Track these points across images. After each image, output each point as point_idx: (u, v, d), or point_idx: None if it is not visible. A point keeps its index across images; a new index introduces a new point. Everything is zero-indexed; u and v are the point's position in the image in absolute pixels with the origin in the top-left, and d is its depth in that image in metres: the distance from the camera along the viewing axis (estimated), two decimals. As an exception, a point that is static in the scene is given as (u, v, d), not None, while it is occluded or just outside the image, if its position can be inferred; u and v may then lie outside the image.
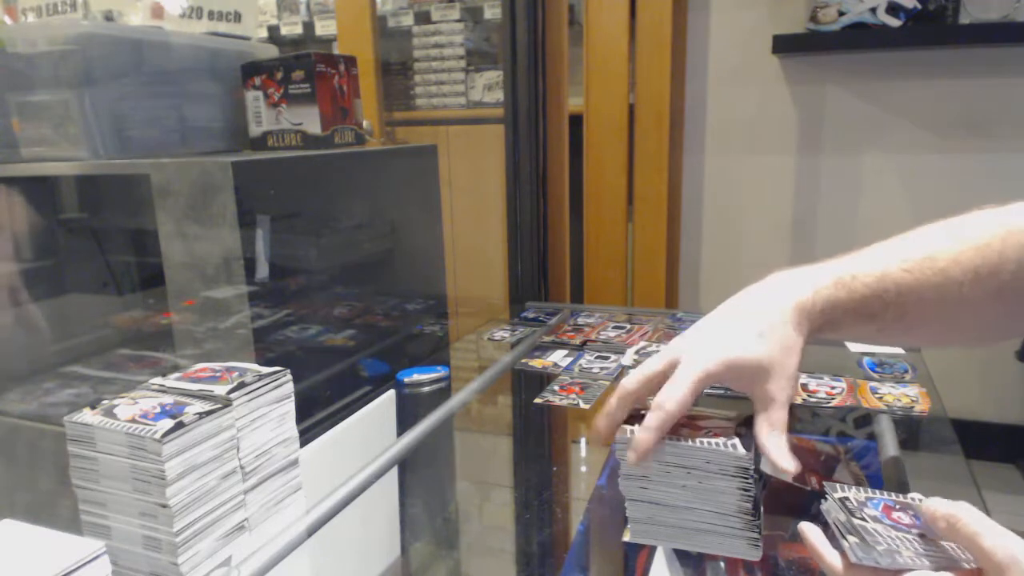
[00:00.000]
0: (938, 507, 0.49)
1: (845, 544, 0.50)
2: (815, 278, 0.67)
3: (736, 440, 0.64)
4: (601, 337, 1.41)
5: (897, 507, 0.55)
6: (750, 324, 0.65)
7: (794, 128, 1.96)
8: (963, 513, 0.47)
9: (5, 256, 1.32)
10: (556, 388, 1.18)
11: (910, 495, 0.56)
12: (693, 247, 2.11)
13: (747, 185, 2.03)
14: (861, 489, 0.58)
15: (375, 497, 0.90)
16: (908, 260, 0.65)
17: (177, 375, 0.74)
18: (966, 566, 0.47)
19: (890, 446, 0.92)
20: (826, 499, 0.57)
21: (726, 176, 2.05)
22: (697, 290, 2.11)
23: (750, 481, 0.63)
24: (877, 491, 0.57)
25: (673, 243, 2.07)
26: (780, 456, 0.62)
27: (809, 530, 0.54)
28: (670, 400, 0.62)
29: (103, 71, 1.05)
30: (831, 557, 0.51)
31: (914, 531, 0.51)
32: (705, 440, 0.64)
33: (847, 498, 0.56)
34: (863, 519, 0.53)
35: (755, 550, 0.64)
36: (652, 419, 0.62)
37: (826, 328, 0.66)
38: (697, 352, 0.65)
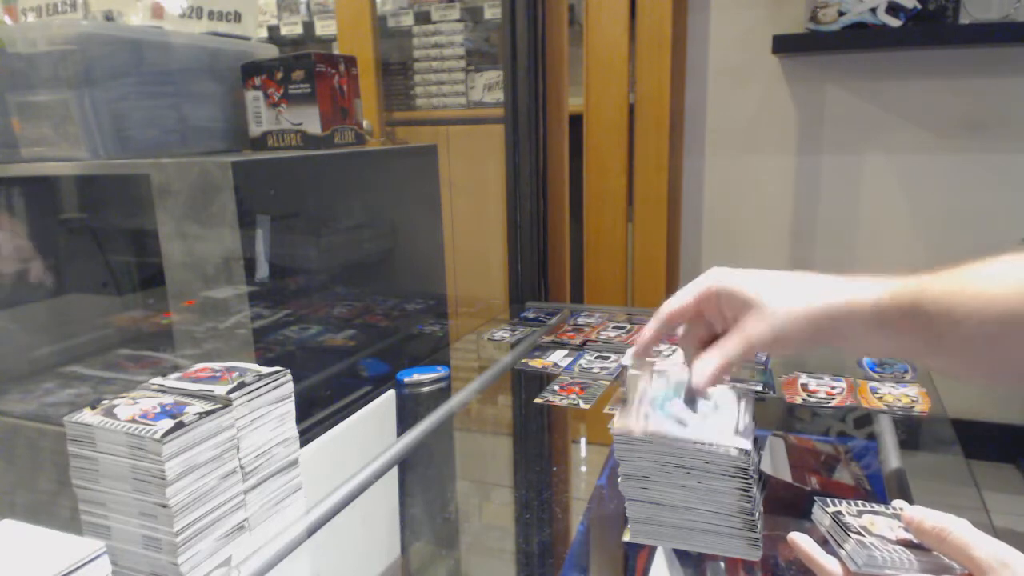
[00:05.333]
0: (925, 519, 0.49)
1: (843, 552, 0.50)
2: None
3: (736, 440, 0.64)
4: (601, 337, 1.41)
5: (889, 518, 0.55)
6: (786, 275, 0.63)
7: (794, 128, 1.96)
8: (952, 525, 0.48)
9: (5, 256, 1.32)
10: (556, 388, 1.18)
11: (893, 502, 0.56)
12: (693, 247, 2.11)
13: (747, 185, 2.03)
14: (851, 503, 0.58)
15: (375, 497, 0.90)
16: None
17: (177, 375, 0.74)
18: (959, 569, 0.47)
19: (890, 446, 0.92)
20: (816, 509, 0.57)
21: (726, 176, 2.05)
22: (697, 290, 2.10)
23: (749, 481, 0.63)
24: (866, 504, 0.58)
25: (673, 243, 2.07)
26: (698, 374, 0.61)
27: (800, 539, 0.54)
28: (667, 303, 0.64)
29: (103, 71, 1.05)
30: (828, 563, 0.51)
31: (902, 539, 0.52)
32: (704, 440, 0.64)
33: (840, 512, 0.56)
34: (859, 533, 0.53)
35: (755, 550, 0.64)
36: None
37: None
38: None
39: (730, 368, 0.60)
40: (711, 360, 0.61)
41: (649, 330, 0.66)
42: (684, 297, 0.65)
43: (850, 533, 0.52)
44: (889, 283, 0.58)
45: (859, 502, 0.58)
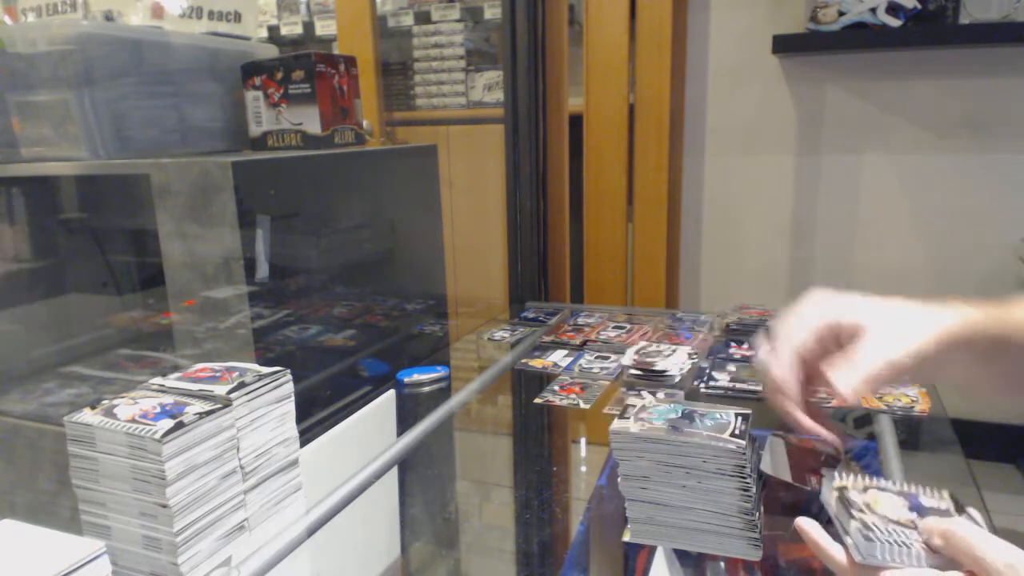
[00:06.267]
0: (933, 524, 0.50)
1: (849, 541, 0.50)
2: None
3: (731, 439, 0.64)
4: (601, 337, 1.41)
5: (894, 495, 0.55)
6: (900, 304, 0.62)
7: (794, 128, 1.96)
8: (957, 526, 0.48)
9: (5, 256, 1.32)
10: (556, 388, 1.17)
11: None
12: (693, 247, 2.11)
13: (747, 185, 2.03)
14: (859, 477, 0.58)
15: (375, 497, 0.90)
16: None
17: (177, 375, 0.74)
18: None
19: (890, 446, 0.92)
20: (825, 485, 0.57)
21: (726, 176, 2.05)
22: (697, 290, 2.11)
23: (749, 481, 0.63)
24: (872, 479, 0.57)
25: (673, 243, 2.07)
26: (843, 386, 0.57)
27: (807, 525, 0.54)
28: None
29: (103, 71, 1.05)
30: (835, 551, 0.51)
31: (912, 523, 0.52)
32: (702, 435, 0.64)
33: (845, 487, 0.56)
34: (861, 511, 0.52)
35: (755, 550, 0.64)
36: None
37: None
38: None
39: (874, 388, 0.58)
40: (854, 373, 0.58)
41: (783, 371, 0.63)
42: (801, 332, 0.63)
43: (853, 514, 0.52)
44: (971, 310, 0.60)
45: (866, 476, 0.58)
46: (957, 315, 0.59)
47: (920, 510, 0.53)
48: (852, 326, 0.61)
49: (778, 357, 0.63)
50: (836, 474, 0.58)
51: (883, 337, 0.59)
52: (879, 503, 0.54)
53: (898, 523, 0.52)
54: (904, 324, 0.59)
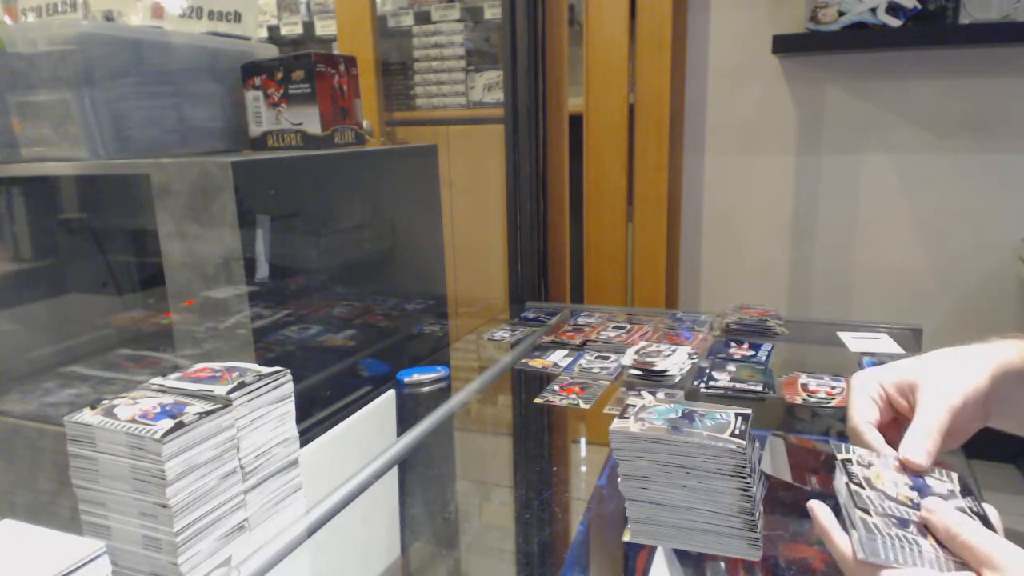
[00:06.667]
0: (938, 521, 0.50)
1: (854, 536, 0.50)
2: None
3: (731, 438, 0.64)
4: (601, 337, 1.41)
5: (898, 472, 0.56)
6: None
7: (794, 128, 1.96)
8: (963, 527, 0.48)
9: (5, 256, 1.32)
10: (556, 388, 1.17)
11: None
12: (693, 247, 2.11)
13: (747, 185, 2.03)
14: (867, 454, 0.58)
15: (375, 497, 0.90)
16: None
17: (177, 375, 0.74)
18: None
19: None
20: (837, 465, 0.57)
21: (726, 176, 2.05)
22: (697, 290, 2.11)
23: (749, 480, 0.63)
24: (878, 456, 0.58)
25: (673, 243, 2.07)
26: (913, 452, 0.58)
27: (819, 509, 0.54)
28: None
29: (103, 71, 1.05)
30: (841, 542, 0.51)
31: (909, 500, 0.52)
32: (702, 435, 0.64)
33: (849, 460, 0.57)
34: (866, 509, 0.53)
35: (755, 550, 0.64)
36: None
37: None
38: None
39: (941, 441, 0.58)
40: (920, 436, 0.58)
41: (879, 442, 0.62)
42: (867, 403, 0.63)
43: (857, 505, 0.52)
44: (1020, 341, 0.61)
45: (872, 454, 0.59)
46: (1006, 348, 0.61)
47: (923, 490, 0.54)
48: (908, 384, 0.62)
49: (858, 434, 0.63)
50: (843, 447, 0.59)
51: (938, 387, 0.60)
52: (880, 478, 0.55)
53: (895, 500, 0.52)
54: (955, 368, 0.60)
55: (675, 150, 2.01)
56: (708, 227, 2.09)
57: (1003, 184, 1.80)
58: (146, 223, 1.05)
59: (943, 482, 0.56)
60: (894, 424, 0.63)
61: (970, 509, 0.51)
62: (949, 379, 0.60)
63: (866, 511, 0.52)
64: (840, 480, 0.56)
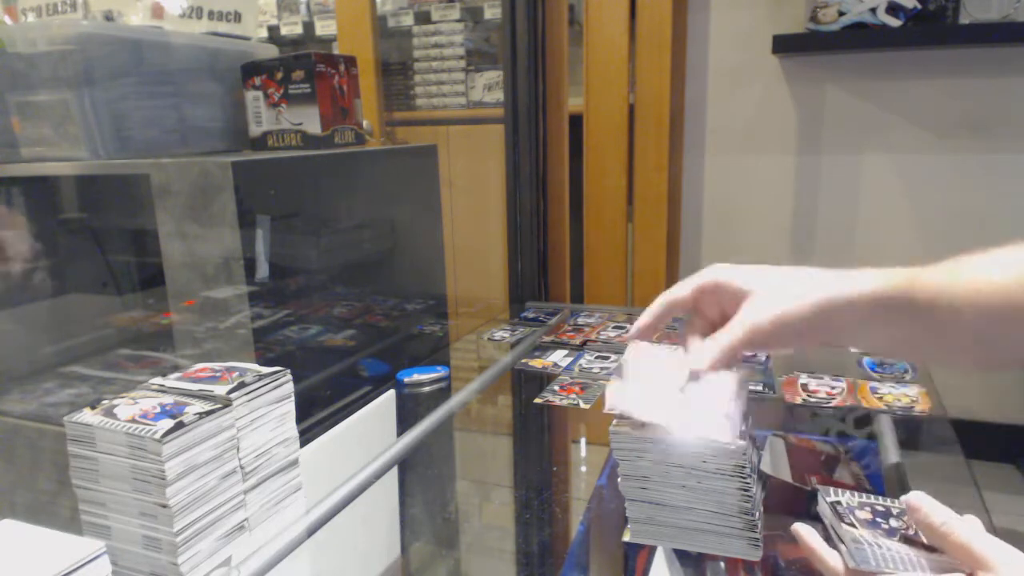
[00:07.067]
0: (931, 514, 0.50)
1: (843, 548, 0.50)
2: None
3: (725, 432, 0.64)
4: (601, 337, 1.41)
5: (885, 511, 0.56)
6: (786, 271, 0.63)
7: (794, 128, 1.96)
8: (953, 526, 0.48)
9: (5, 256, 1.32)
10: (556, 388, 1.17)
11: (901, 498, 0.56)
12: (693, 247, 2.10)
13: (747, 185, 2.03)
14: (854, 494, 0.58)
15: (375, 497, 0.90)
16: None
17: (177, 375, 0.74)
18: (964, 570, 0.47)
19: (890, 446, 0.92)
20: (820, 499, 0.57)
21: (726, 176, 2.05)
22: (697, 290, 2.10)
23: (749, 481, 0.63)
24: (867, 495, 0.58)
25: (673, 243, 2.07)
26: (696, 359, 0.59)
27: (804, 531, 0.54)
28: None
29: (103, 71, 1.05)
30: (830, 558, 0.52)
31: (901, 533, 0.52)
32: (700, 435, 0.64)
33: (839, 502, 0.57)
34: (852, 524, 0.53)
35: (755, 550, 0.64)
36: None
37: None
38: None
39: (732, 356, 0.59)
40: (711, 346, 0.59)
41: (647, 315, 0.65)
42: (682, 287, 0.65)
43: (844, 523, 0.52)
44: (887, 275, 0.58)
45: (861, 495, 0.58)
46: (853, 281, 0.58)
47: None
48: (735, 291, 0.61)
49: (649, 308, 0.65)
50: (831, 490, 0.59)
51: (758, 303, 0.59)
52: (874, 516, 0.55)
53: (880, 529, 0.53)
54: (784, 290, 0.59)
55: (675, 150, 2.01)
56: (708, 227, 2.08)
57: (1003, 184, 1.80)
58: (146, 223, 1.05)
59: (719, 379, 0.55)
60: (709, 322, 0.64)
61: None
62: (769, 303, 0.58)
63: (853, 526, 0.52)
64: (825, 508, 0.56)
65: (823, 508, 0.56)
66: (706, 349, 0.59)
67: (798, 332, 0.57)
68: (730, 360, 0.59)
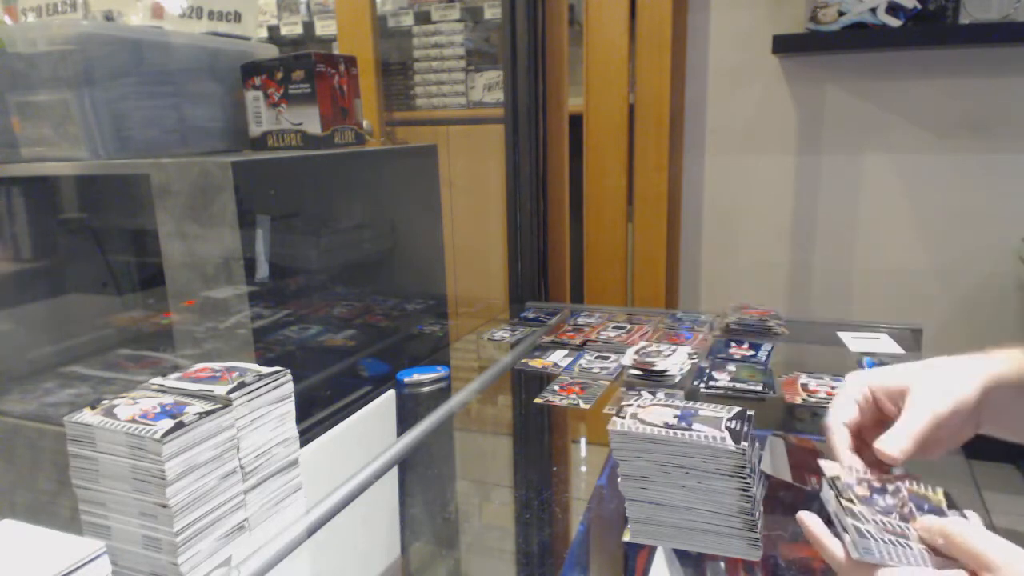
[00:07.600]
0: (932, 523, 0.50)
1: (847, 538, 0.50)
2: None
3: (727, 436, 0.64)
4: (601, 337, 1.41)
5: (881, 488, 0.56)
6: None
7: (794, 128, 1.96)
8: (955, 525, 0.48)
9: (5, 256, 1.32)
10: (556, 388, 1.18)
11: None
12: (693, 247, 2.10)
13: (747, 185, 2.03)
14: (854, 469, 0.59)
15: (375, 497, 0.90)
16: None
17: (177, 375, 0.74)
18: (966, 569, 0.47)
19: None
20: (822, 487, 0.58)
21: (726, 176, 2.05)
22: (697, 290, 2.11)
23: (748, 480, 0.63)
24: (865, 471, 0.58)
25: (673, 243, 2.07)
26: (890, 447, 0.58)
27: (809, 519, 0.55)
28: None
29: (103, 71, 1.05)
30: (833, 547, 0.52)
31: (897, 511, 0.53)
32: (700, 435, 0.64)
33: (838, 477, 0.57)
34: (851, 500, 0.53)
35: (755, 550, 0.64)
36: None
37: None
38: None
39: (919, 443, 0.58)
40: (900, 436, 0.58)
41: (841, 445, 0.63)
42: (846, 408, 0.64)
43: (847, 512, 0.52)
44: (1016, 353, 0.61)
45: (858, 469, 0.59)
46: (1002, 360, 0.61)
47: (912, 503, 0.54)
48: (891, 390, 0.62)
49: (827, 431, 0.64)
50: (832, 464, 0.59)
51: (926, 393, 0.60)
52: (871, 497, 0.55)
53: (883, 510, 0.53)
54: (946, 377, 0.61)
55: (675, 150, 2.01)
56: (708, 227, 2.09)
57: (1003, 184, 1.80)
58: (146, 223, 1.05)
59: (930, 498, 0.56)
60: (879, 426, 0.63)
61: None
62: (939, 387, 0.60)
63: (856, 517, 0.52)
64: (828, 493, 0.56)
65: (827, 494, 0.56)
66: (895, 439, 0.59)
67: (970, 412, 0.59)
68: (917, 448, 0.59)
